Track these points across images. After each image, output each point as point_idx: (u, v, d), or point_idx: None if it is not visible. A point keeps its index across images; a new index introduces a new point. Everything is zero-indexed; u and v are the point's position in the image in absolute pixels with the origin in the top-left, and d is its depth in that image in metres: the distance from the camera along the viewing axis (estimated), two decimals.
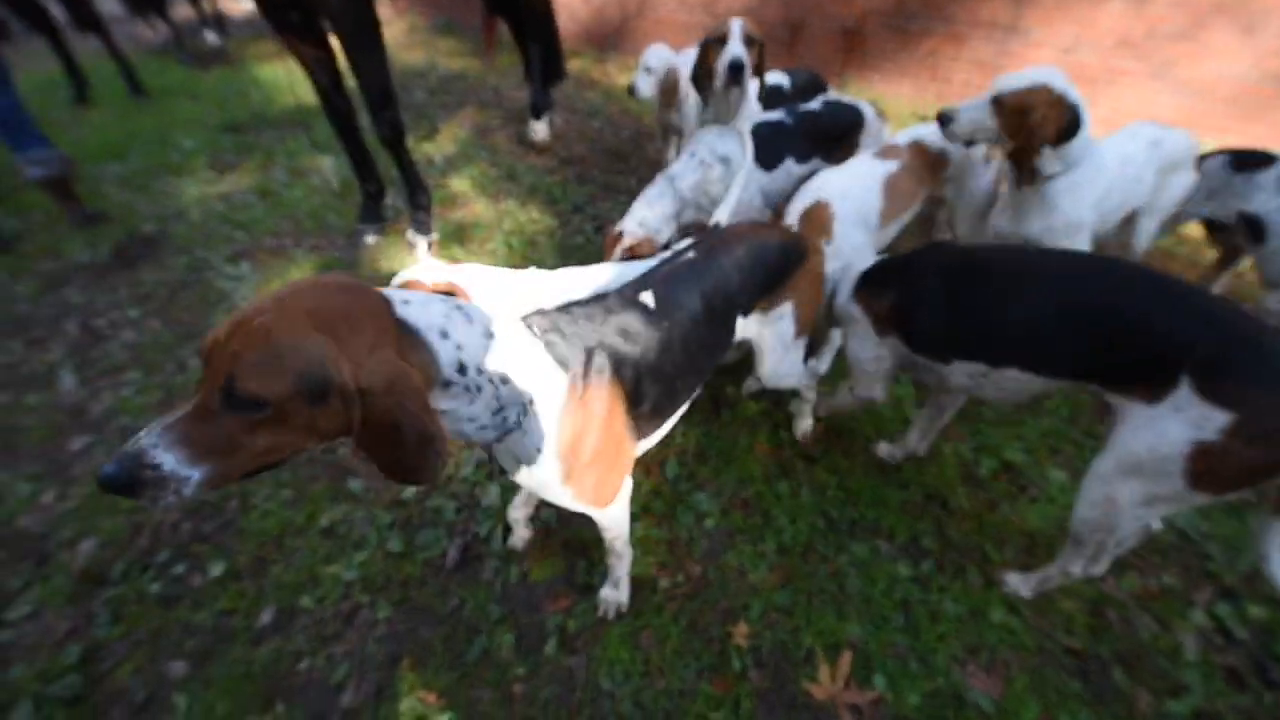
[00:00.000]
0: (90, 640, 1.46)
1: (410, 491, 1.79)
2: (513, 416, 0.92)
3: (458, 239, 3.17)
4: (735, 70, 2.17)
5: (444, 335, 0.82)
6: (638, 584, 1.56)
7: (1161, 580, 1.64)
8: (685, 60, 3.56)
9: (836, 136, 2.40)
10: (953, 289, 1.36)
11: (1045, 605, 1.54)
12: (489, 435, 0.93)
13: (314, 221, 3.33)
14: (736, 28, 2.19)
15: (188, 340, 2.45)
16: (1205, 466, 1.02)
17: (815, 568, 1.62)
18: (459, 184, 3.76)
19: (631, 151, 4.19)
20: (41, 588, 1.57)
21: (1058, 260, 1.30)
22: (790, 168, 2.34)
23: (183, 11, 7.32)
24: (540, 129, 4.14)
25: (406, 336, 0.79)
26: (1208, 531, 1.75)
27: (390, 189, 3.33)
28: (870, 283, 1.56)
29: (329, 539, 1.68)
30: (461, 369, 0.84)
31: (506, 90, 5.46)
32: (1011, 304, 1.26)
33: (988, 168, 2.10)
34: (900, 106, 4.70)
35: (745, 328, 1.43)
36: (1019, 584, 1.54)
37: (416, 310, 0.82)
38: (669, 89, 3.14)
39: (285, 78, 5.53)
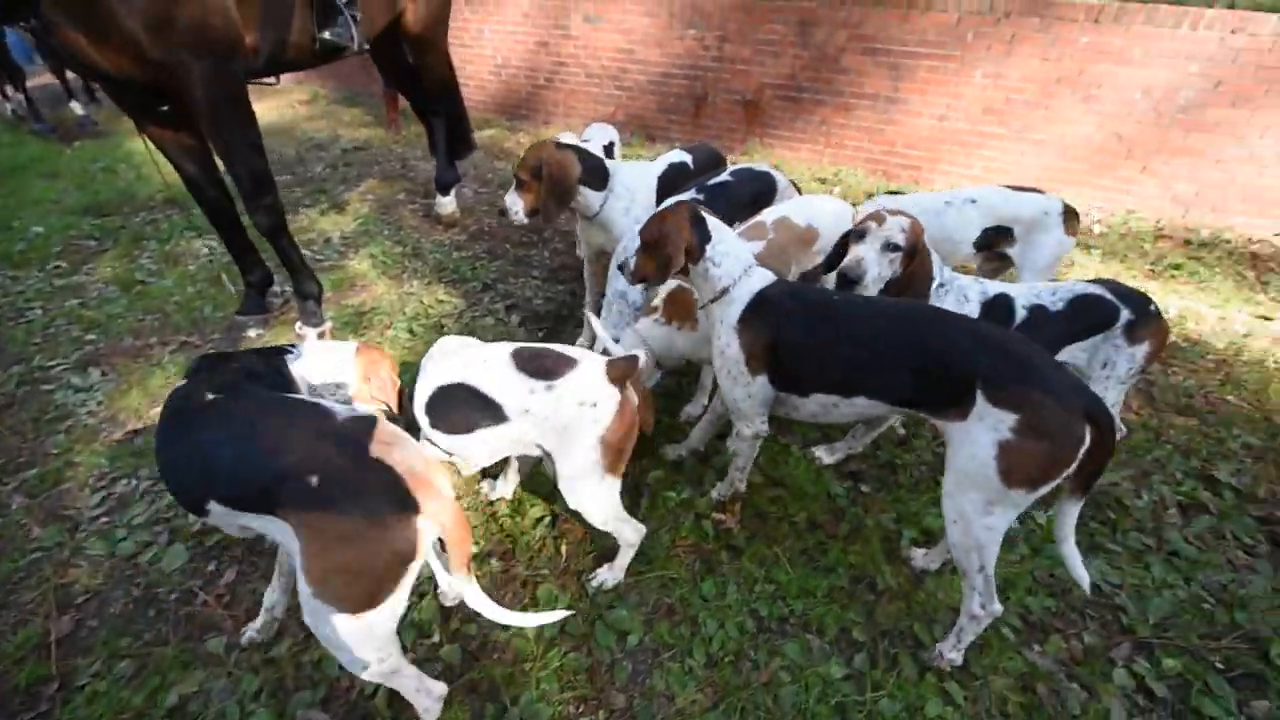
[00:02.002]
0: None
1: (284, 647, 1.57)
2: None
3: (355, 326, 3.01)
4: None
5: None
6: None
7: (1083, 640, 1.68)
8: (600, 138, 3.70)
9: (753, 203, 2.51)
10: (814, 331, 1.53)
11: (978, 690, 1.53)
12: None
13: (185, 315, 3.07)
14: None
15: (14, 472, 2.12)
16: (1009, 462, 1.26)
17: (747, 678, 1.54)
18: (358, 264, 3.62)
19: (544, 224, 4.22)
20: None
21: (886, 306, 1.54)
22: None
23: (44, 77, 6.85)
24: (447, 204, 4.10)
25: None
26: (1117, 581, 1.83)
27: (280, 275, 3.14)
28: (746, 323, 1.60)
29: None
30: None
31: (414, 161, 5.43)
32: (859, 345, 1.48)
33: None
34: (800, 170, 5.05)
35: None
36: (948, 651, 1.56)
37: None
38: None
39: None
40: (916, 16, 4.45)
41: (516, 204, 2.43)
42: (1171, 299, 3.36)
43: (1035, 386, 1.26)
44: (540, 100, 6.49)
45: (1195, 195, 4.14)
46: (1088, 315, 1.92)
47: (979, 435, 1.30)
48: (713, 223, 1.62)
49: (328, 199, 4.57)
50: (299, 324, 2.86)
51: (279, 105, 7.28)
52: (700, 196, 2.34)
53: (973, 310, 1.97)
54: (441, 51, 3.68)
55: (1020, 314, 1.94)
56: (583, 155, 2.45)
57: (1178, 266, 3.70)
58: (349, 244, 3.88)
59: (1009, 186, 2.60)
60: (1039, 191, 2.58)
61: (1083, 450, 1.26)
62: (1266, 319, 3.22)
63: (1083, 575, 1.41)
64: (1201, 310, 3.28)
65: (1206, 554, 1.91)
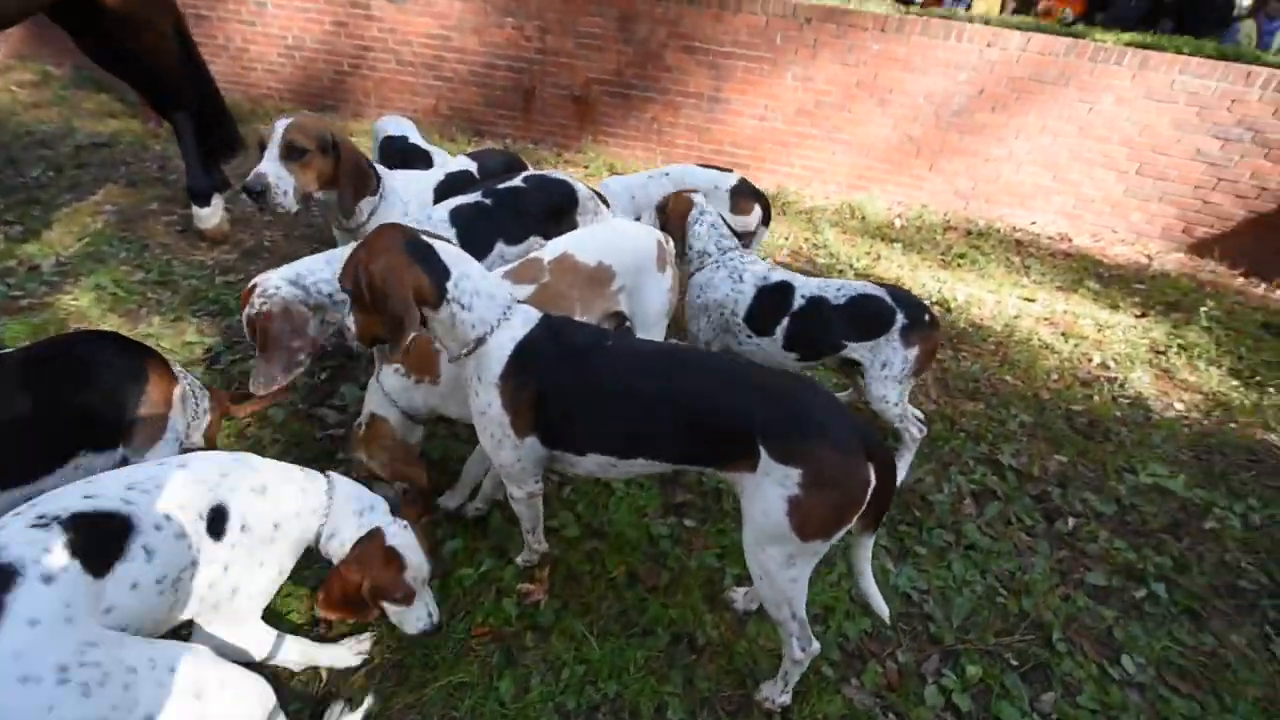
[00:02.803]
0: None
1: None
2: None
3: None
4: (252, 194, 1.89)
5: None
6: None
7: (898, 659, 1.65)
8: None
9: (551, 215, 2.22)
10: (584, 381, 1.32)
11: None
12: None
13: None
14: (278, 132, 1.90)
15: None
16: (801, 516, 1.17)
17: None
18: (76, 299, 2.78)
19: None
20: None
21: (657, 353, 1.40)
22: (503, 250, 2.08)
23: None
24: (207, 215, 3.32)
25: None
26: (924, 586, 1.85)
27: None
28: (508, 379, 1.31)
29: None
30: None
31: (177, 161, 4.42)
32: (630, 397, 1.30)
33: (664, 276, 1.96)
34: (635, 168, 4.91)
35: None
36: (776, 695, 1.47)
37: None
38: None
39: None
40: (729, 17, 4.46)
41: (284, 178, 1.89)
42: (960, 287, 3.68)
43: (813, 436, 1.18)
44: (347, 88, 5.68)
45: (973, 190, 4.63)
46: (865, 314, 2.02)
47: (768, 491, 1.20)
48: (446, 251, 1.27)
49: (40, 212, 3.52)
50: None
51: None
52: (486, 202, 2.00)
53: (746, 292, 2.11)
54: (161, 33, 2.92)
55: (798, 302, 2.06)
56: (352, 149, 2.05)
57: (962, 255, 4.09)
58: (66, 273, 2.99)
59: (701, 164, 3.03)
60: (726, 170, 2.96)
61: (870, 491, 1.19)
62: (1030, 300, 3.65)
63: (882, 608, 1.39)
64: (983, 296, 3.63)
65: (997, 542, 2.01)
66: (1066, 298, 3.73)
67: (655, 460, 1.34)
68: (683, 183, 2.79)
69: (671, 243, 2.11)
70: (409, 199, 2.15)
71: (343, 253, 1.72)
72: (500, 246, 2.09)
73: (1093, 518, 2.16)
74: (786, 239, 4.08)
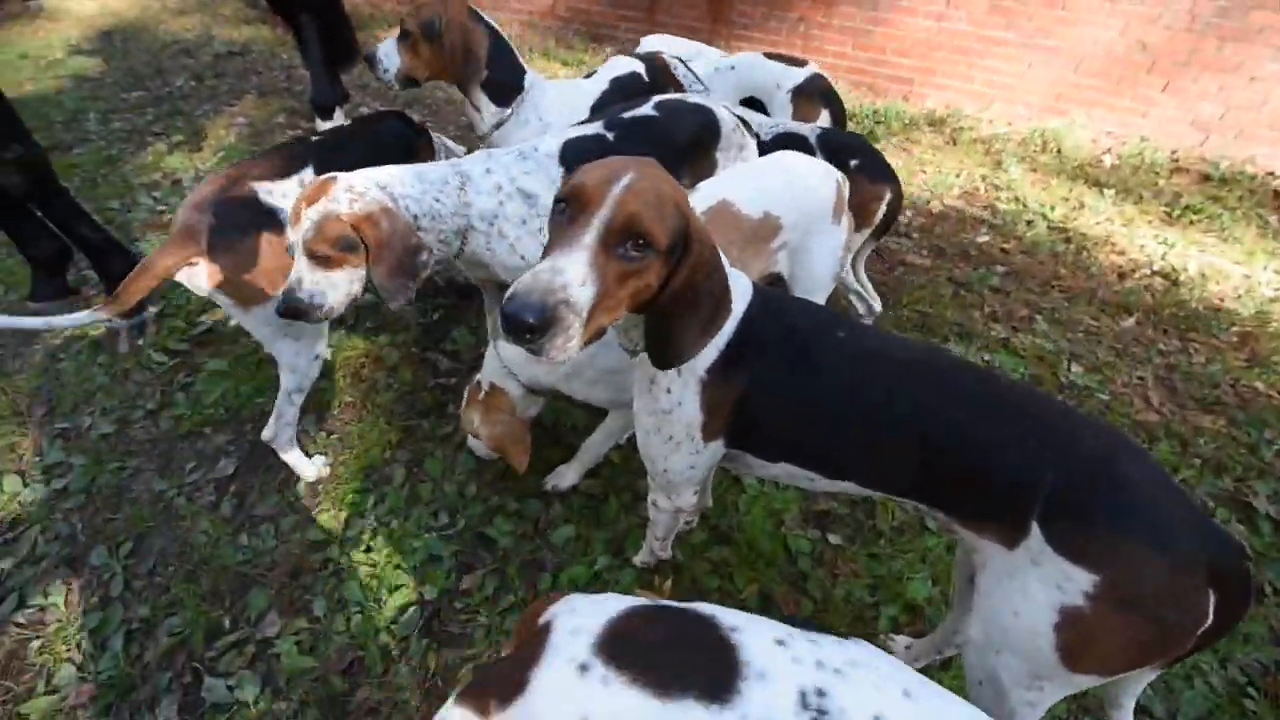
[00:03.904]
0: None
1: None
2: None
3: (206, 309, 2.30)
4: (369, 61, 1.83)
5: None
6: None
7: None
8: None
9: (688, 150, 1.81)
10: (804, 385, 0.99)
11: None
12: None
13: None
14: None
15: None
16: (1076, 640, 0.81)
17: None
18: None
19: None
20: None
21: (897, 358, 0.98)
22: None
23: None
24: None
25: None
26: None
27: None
28: (720, 369, 1.01)
29: None
30: None
31: (303, 71, 4.35)
32: (856, 413, 0.96)
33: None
34: None
35: None
36: None
37: None
38: None
39: None
40: None
41: (392, 57, 1.81)
42: (1192, 253, 2.84)
43: (1130, 530, 0.77)
44: None
45: (1220, 119, 3.51)
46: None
47: (1032, 587, 0.83)
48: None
49: (185, 123, 3.59)
50: None
51: None
52: (608, 135, 1.62)
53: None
54: None
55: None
56: (496, 41, 1.81)
57: (1197, 210, 3.16)
58: None
59: (770, 55, 2.50)
60: (800, 63, 2.43)
61: (1201, 630, 0.78)
62: None
63: None
64: (1224, 267, 2.78)
65: (1247, 622, 1.52)
66: None
67: (870, 489, 1.03)
68: (750, 76, 2.45)
69: (848, 183, 1.66)
70: (550, 115, 1.85)
71: (436, 171, 1.42)
72: None
73: None
74: (958, 175, 3.34)
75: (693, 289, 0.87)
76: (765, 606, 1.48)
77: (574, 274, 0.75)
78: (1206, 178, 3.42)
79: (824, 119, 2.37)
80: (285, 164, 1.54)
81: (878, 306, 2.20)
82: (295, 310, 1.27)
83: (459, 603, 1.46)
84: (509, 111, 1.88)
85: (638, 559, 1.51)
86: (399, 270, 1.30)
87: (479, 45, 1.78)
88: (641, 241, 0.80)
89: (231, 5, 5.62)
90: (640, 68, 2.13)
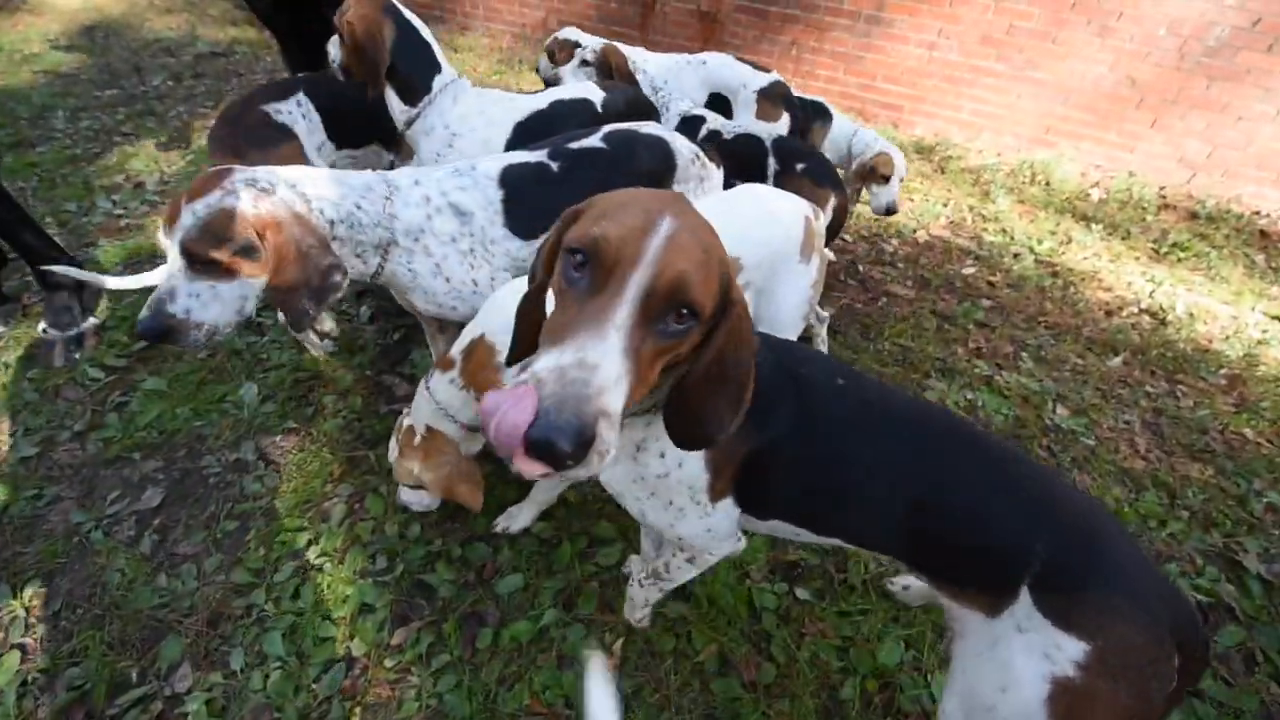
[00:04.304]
0: None
1: None
2: None
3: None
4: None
5: None
6: None
7: None
8: None
9: (640, 184, 1.69)
10: (814, 442, 0.92)
11: None
12: None
13: None
14: None
15: None
16: (1067, 712, 0.78)
17: None
18: None
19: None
20: None
21: (895, 414, 0.94)
22: None
23: None
24: None
25: None
26: None
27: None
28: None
29: None
30: None
31: (282, 73, 4.26)
32: (853, 469, 0.92)
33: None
34: None
35: None
36: None
37: None
38: None
39: None
40: None
41: (334, 51, 1.75)
42: (1180, 292, 2.78)
43: (1117, 599, 0.78)
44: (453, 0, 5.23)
45: (1207, 157, 3.49)
46: (744, 153, 2.10)
47: (1016, 658, 0.81)
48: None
49: (157, 124, 3.47)
50: (42, 325, 2.00)
51: None
52: (551, 165, 1.49)
53: (672, 122, 2.24)
54: None
55: (703, 132, 2.18)
56: (405, 35, 1.68)
57: (1184, 247, 3.11)
58: (166, 191, 2.90)
59: (739, 59, 2.65)
60: (764, 70, 2.57)
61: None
62: None
63: None
64: (1212, 307, 2.72)
65: (1237, 694, 1.42)
66: None
67: (855, 546, 1.00)
68: (719, 73, 2.59)
69: (821, 216, 1.56)
70: (459, 127, 1.73)
71: (360, 178, 1.30)
72: None
73: None
74: (946, 205, 3.27)
75: (726, 359, 0.71)
76: (723, 668, 1.36)
77: (609, 370, 0.57)
78: (1194, 215, 3.39)
79: (784, 120, 2.50)
80: (282, 89, 1.89)
81: (825, 314, 2.16)
82: (161, 330, 1.06)
83: (390, 660, 1.33)
84: (416, 112, 1.75)
85: (636, 618, 1.38)
86: (305, 291, 1.13)
87: (380, 38, 1.65)
88: (685, 311, 0.63)
89: (219, 5, 5.52)
90: (595, 96, 1.98)
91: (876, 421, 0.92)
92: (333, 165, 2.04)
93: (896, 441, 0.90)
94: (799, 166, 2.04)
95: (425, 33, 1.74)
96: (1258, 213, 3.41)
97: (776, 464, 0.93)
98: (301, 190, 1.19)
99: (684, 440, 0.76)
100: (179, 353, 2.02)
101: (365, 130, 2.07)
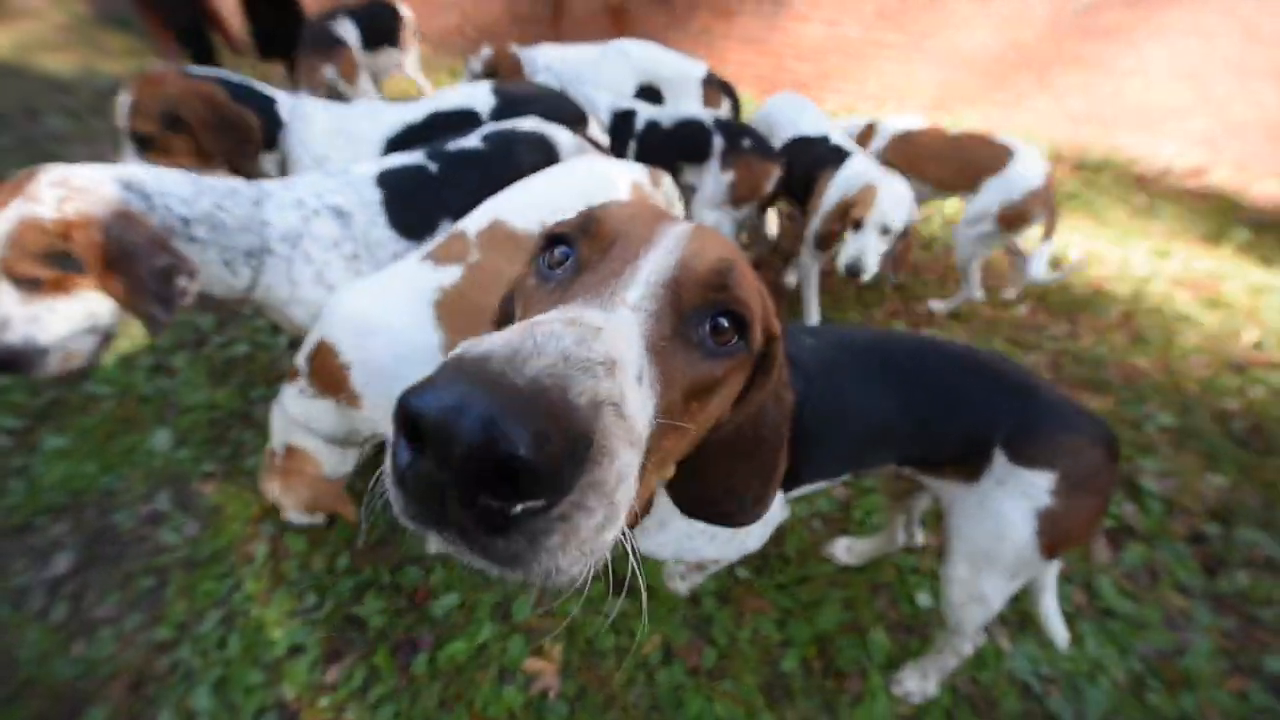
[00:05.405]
0: None
1: None
2: None
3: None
4: None
5: None
6: None
7: None
8: None
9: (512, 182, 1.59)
10: (833, 399, 0.94)
11: None
12: None
13: None
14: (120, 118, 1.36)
15: None
16: (1054, 531, 0.92)
17: None
18: None
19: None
20: None
21: (870, 348, 1.01)
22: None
23: None
24: None
25: None
26: (1047, 672, 1.36)
27: None
28: None
29: None
30: None
31: None
32: (862, 416, 0.96)
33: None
34: None
35: None
36: (915, 683, 1.25)
37: None
38: None
39: None
40: None
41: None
42: (1075, 239, 2.87)
43: (1068, 428, 0.92)
44: None
45: (1088, 112, 3.60)
46: (688, 137, 2.10)
47: (1004, 506, 0.93)
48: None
49: None
50: None
51: (18, 31, 5.22)
52: (430, 168, 1.38)
53: (603, 119, 2.16)
54: None
55: (640, 125, 2.15)
56: (230, 86, 1.49)
57: (1074, 195, 3.21)
58: None
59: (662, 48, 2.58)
60: (691, 59, 2.55)
61: None
62: (1163, 255, 2.82)
63: (1060, 634, 1.15)
64: (1102, 250, 2.81)
65: (1142, 606, 1.46)
66: (1208, 251, 2.86)
67: (863, 472, 1.07)
68: (647, 64, 2.47)
69: (664, 183, 1.49)
70: (321, 147, 1.56)
71: (225, 182, 1.17)
72: (446, 227, 1.43)
73: (1264, 568, 1.57)
74: None
75: (765, 419, 0.53)
76: (666, 658, 1.31)
77: (618, 341, 0.35)
78: (1080, 166, 3.50)
79: (725, 105, 2.52)
80: None
81: None
82: (5, 360, 0.94)
83: (324, 699, 1.23)
84: (281, 152, 1.57)
85: (683, 587, 1.36)
86: (141, 292, 0.98)
87: (220, 99, 1.41)
88: (726, 321, 0.44)
89: (118, 38, 5.10)
90: (480, 104, 1.80)
91: (862, 358, 0.96)
92: None
93: (883, 369, 0.95)
94: (745, 143, 2.05)
95: (228, 74, 1.54)
96: (1134, 160, 3.54)
97: (806, 438, 0.83)
98: (141, 188, 1.04)
99: (701, 517, 0.61)
100: (83, 404, 1.84)
101: None
